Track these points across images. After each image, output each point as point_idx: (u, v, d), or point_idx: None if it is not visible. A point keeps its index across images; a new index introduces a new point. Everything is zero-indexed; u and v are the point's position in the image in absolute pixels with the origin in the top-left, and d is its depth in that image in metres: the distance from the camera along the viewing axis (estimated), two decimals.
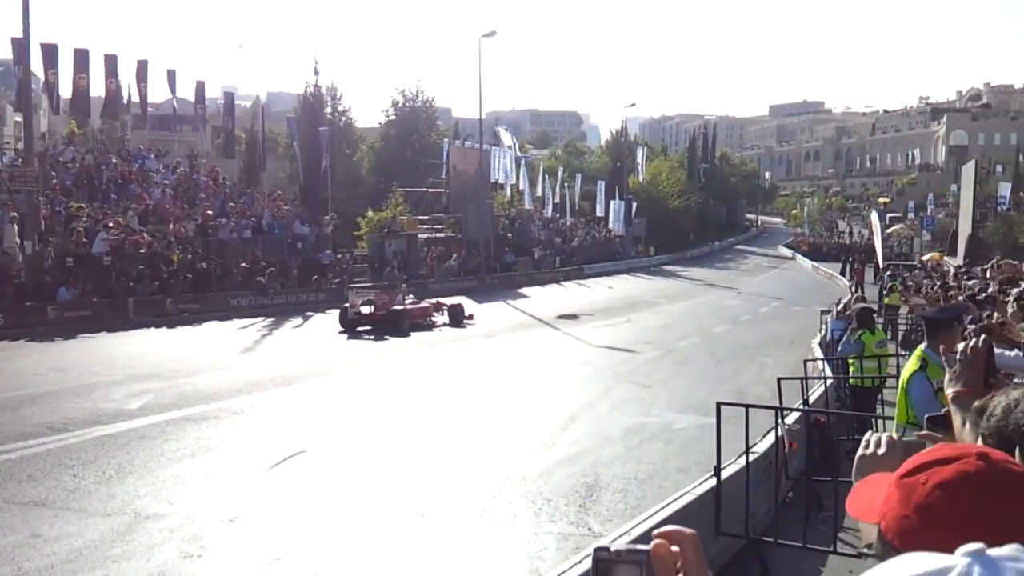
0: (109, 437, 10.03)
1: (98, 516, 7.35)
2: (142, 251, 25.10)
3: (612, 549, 1.05)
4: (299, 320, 24.27)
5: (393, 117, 59.03)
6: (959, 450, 1.16)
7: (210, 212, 29.73)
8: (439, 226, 43.12)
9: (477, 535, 7.09)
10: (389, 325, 21.36)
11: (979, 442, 1.85)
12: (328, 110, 48.96)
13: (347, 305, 22.04)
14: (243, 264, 27.87)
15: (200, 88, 35.82)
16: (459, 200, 42.26)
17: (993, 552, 0.90)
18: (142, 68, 33.37)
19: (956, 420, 2.42)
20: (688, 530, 1.11)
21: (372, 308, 21.53)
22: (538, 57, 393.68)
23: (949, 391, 2.61)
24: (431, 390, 14.03)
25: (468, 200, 40.92)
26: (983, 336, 2.86)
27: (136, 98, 34.49)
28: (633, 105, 71.65)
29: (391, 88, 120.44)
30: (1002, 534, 1.03)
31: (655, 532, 1.10)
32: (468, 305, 25.74)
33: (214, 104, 42.30)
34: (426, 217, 43.25)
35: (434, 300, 24.90)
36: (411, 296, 23.89)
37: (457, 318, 23.51)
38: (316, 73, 44.35)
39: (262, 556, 6.57)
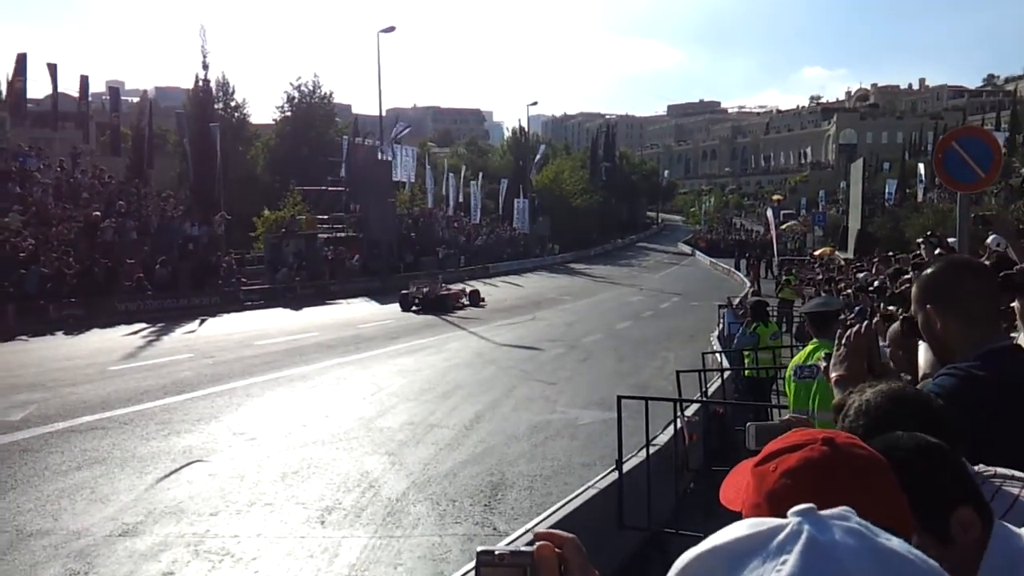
0: None
1: None
2: (22, 255, 23.81)
3: (495, 552, 1.02)
4: (192, 324, 23.43)
5: (289, 113, 57.71)
6: (806, 436, 1.16)
7: (97, 213, 28.44)
8: (339, 226, 42.31)
9: (379, 540, 6.92)
10: (439, 306, 27.45)
11: None
12: (220, 105, 47.53)
13: (405, 291, 28.69)
14: (130, 261, 26.69)
15: (84, 83, 34.25)
16: (360, 199, 41.59)
17: (823, 512, 0.92)
18: (21, 61, 31.70)
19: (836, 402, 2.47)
20: (568, 534, 1.10)
21: (424, 292, 28.14)
22: (440, 54, 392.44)
23: (832, 374, 2.67)
24: (328, 398, 13.73)
25: (369, 199, 40.32)
26: (866, 323, 2.91)
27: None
28: (535, 104, 72.33)
29: (287, 83, 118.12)
30: None
31: (536, 533, 1.09)
32: (371, 305, 28.34)
33: (99, 100, 40.43)
34: (326, 216, 42.37)
35: (460, 287, 31.42)
36: (442, 284, 29.90)
37: (475, 300, 30.14)
38: (206, 67, 43.00)
39: (152, 572, 6.26)
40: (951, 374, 2.32)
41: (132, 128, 41.63)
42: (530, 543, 1.14)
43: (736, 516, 1.25)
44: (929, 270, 2.55)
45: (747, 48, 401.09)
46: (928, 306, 2.45)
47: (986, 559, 1.34)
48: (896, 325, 3.16)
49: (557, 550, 1.08)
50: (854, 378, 2.49)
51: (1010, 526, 1.43)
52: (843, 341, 2.75)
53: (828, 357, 3.27)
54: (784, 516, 1.03)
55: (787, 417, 2.44)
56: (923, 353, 3.08)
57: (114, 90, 39.42)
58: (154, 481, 8.53)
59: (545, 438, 10.68)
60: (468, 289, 31.41)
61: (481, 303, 30.29)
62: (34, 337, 20.30)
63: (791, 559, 0.87)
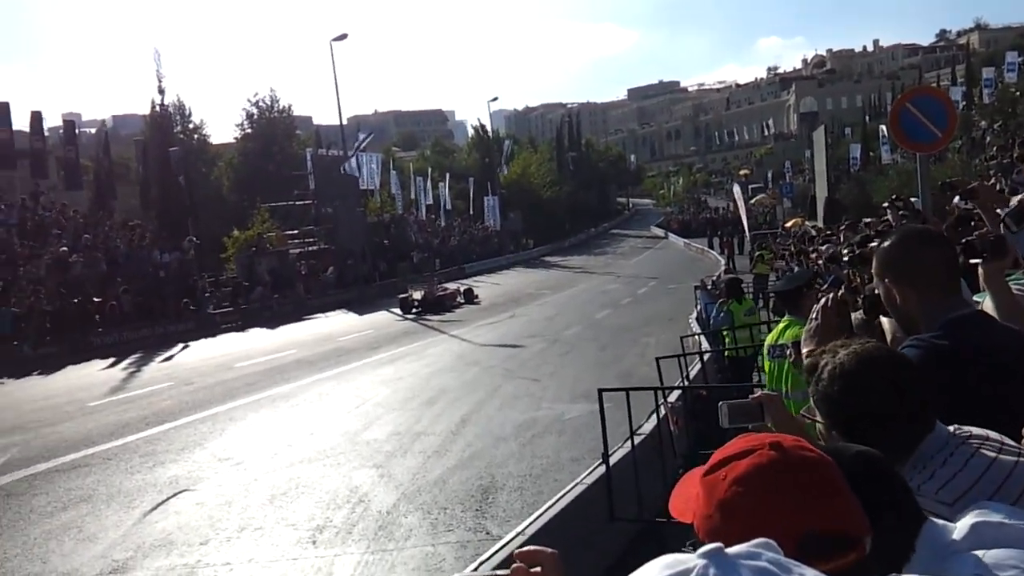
0: None
1: None
2: None
3: None
4: (170, 352, 23.17)
5: (249, 130, 57.25)
6: (754, 441, 1.17)
7: (64, 249, 28.08)
8: (311, 239, 42.06)
9: (372, 556, 6.88)
10: (437, 306, 28.49)
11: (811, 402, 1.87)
12: (178, 128, 47.09)
13: (403, 295, 29.70)
14: (97, 300, 26.31)
15: (36, 119, 33.74)
16: (328, 210, 41.36)
17: (731, 550, 0.91)
18: None
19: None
20: (548, 550, 1.13)
21: (422, 295, 29.25)
22: (397, 57, 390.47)
23: (804, 349, 2.66)
24: (312, 415, 13.64)
25: (338, 209, 40.10)
26: (833, 294, 2.91)
27: None
28: (496, 99, 72.51)
29: (245, 100, 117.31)
30: (794, 524, 1.07)
31: (516, 553, 1.12)
32: (348, 316, 29.09)
33: (58, 134, 39.94)
34: (296, 231, 42.12)
35: (455, 286, 32.67)
36: (438, 285, 31.18)
37: (470, 298, 31.14)
38: (162, 92, 42.57)
39: None
40: (914, 345, 2.33)
41: (92, 160, 41.15)
42: (504, 564, 1.13)
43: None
44: (885, 243, 2.55)
45: (702, 24, 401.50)
46: (886, 279, 2.46)
47: (914, 558, 1.34)
48: (859, 315, 3.17)
49: (536, 569, 1.10)
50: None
51: (940, 522, 1.42)
52: (813, 315, 2.75)
53: (797, 342, 3.27)
54: (737, 525, 1.02)
55: (758, 394, 2.43)
56: (888, 324, 3.09)
57: (69, 123, 38.93)
58: (142, 515, 8.44)
59: (532, 436, 10.67)
60: (463, 288, 32.29)
61: (476, 300, 31.15)
62: (9, 379, 20.01)
63: None
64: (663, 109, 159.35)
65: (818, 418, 1.80)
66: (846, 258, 8.25)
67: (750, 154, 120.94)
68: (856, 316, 3.20)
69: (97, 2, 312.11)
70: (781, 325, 5.46)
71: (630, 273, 40.83)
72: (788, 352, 3.75)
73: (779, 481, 1.10)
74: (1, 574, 7.01)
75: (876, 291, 2.83)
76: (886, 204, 9.63)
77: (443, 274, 43.50)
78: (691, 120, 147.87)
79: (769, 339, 5.64)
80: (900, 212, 8.65)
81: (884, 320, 3.09)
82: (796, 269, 18.47)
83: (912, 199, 10.62)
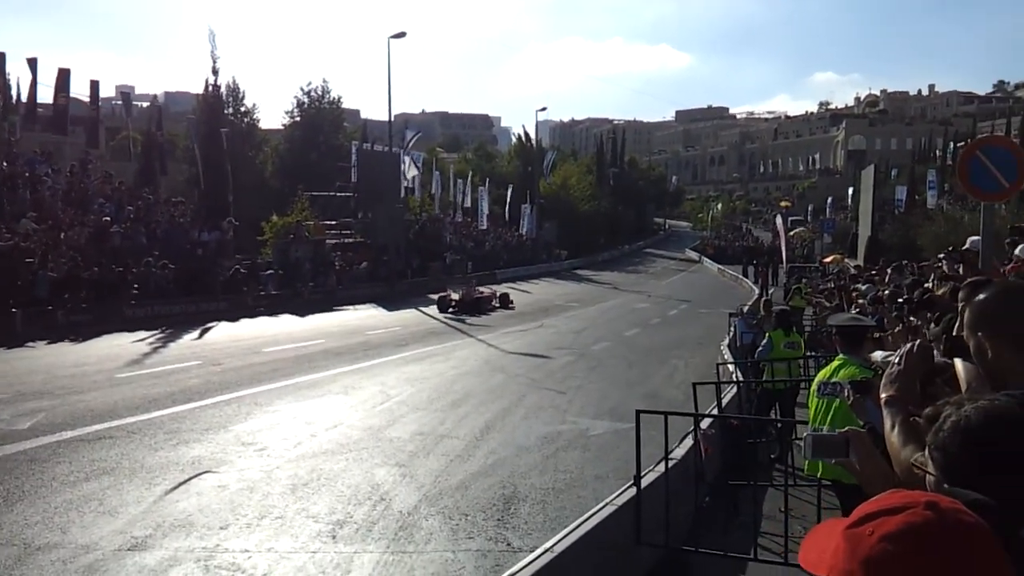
0: None
1: None
2: (31, 260, 23.78)
3: None
4: (200, 330, 23.34)
5: (298, 118, 57.67)
6: (908, 498, 1.12)
7: (107, 219, 28.44)
8: (347, 231, 42.27)
9: (392, 556, 6.81)
10: (474, 308, 28.86)
11: (925, 452, 1.78)
12: (230, 110, 47.53)
13: (442, 294, 30.21)
14: (134, 271, 26.57)
15: (94, 87, 34.34)
16: (368, 204, 41.57)
17: None
18: (32, 66, 31.82)
19: (887, 422, 2.41)
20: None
21: (460, 296, 29.62)
22: (449, 59, 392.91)
23: (883, 394, 2.59)
24: (337, 407, 13.64)
25: (377, 204, 40.30)
26: (918, 342, 2.82)
27: (25, 97, 32.88)
28: (544, 109, 72.78)
29: (297, 88, 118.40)
30: None
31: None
32: (378, 311, 28.60)
33: (109, 105, 40.57)
34: (334, 222, 42.37)
35: (492, 290, 32.88)
36: (475, 287, 31.32)
37: (505, 303, 31.66)
38: (215, 72, 42.95)
39: None
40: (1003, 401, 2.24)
41: (142, 133, 41.70)
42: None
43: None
44: (982, 296, 2.47)
45: (759, 52, 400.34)
46: (980, 333, 2.38)
47: None
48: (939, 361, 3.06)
49: None
50: (905, 399, 2.45)
51: None
52: (896, 359, 2.67)
53: (855, 382, 3.16)
54: None
55: (845, 429, 2.35)
56: (964, 370, 2.98)
57: (125, 95, 39.74)
58: (163, 493, 8.43)
59: (556, 449, 10.57)
60: (498, 292, 32.71)
61: (510, 306, 31.57)
62: (42, 343, 20.25)
63: None
64: (709, 133, 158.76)
65: (930, 469, 1.71)
66: (900, 301, 8.12)
67: (793, 186, 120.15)
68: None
69: None
70: (835, 363, 5.34)
71: (662, 294, 40.60)
72: (845, 392, 3.65)
73: (932, 543, 1.04)
74: (21, 540, 6.99)
75: (955, 336, 2.73)
76: (943, 255, 9.51)
77: (474, 277, 43.68)
78: (737, 147, 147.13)
79: (820, 376, 5.53)
80: (956, 263, 8.53)
81: (959, 365, 2.98)
82: (834, 306, 18.22)
83: (964, 247, 10.47)
